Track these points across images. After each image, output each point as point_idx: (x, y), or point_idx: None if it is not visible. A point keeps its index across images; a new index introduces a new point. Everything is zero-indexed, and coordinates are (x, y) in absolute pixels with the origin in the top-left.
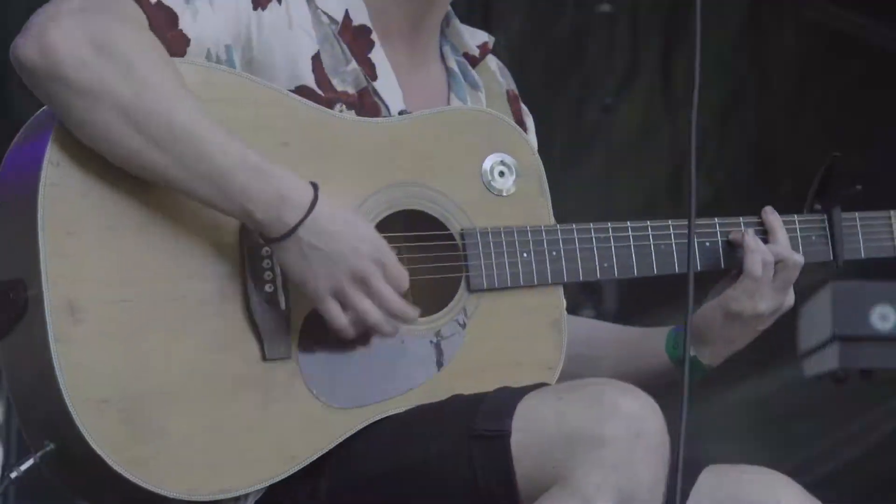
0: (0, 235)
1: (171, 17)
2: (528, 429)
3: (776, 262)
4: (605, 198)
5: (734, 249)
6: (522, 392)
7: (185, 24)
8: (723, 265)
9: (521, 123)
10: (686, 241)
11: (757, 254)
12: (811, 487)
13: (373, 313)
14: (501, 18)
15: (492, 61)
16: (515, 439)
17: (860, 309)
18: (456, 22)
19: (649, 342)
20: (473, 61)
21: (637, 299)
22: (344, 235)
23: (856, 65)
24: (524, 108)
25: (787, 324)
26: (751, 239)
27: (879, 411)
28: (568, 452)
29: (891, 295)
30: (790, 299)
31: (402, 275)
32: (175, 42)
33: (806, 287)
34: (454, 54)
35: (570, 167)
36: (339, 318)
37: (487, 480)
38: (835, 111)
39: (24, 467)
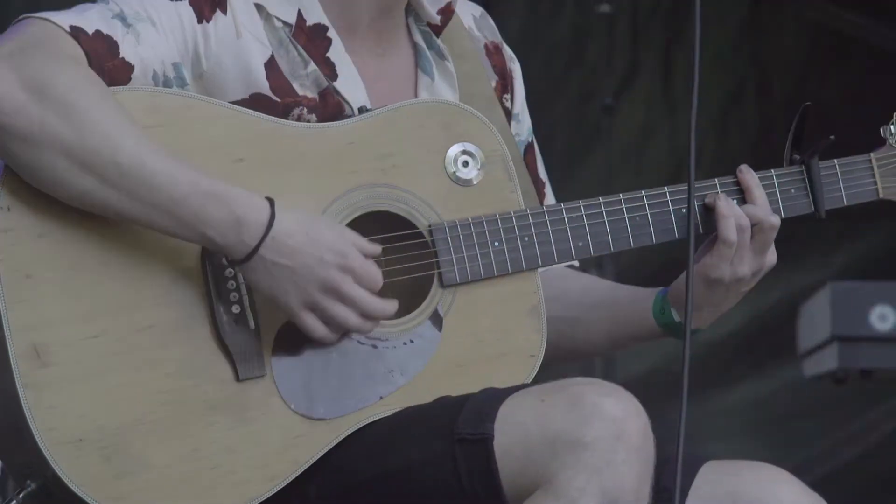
0: None
1: (111, 46)
2: (510, 432)
3: (753, 225)
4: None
5: (711, 213)
6: (505, 394)
7: (127, 50)
8: (701, 230)
9: (504, 74)
10: (662, 210)
11: (731, 219)
12: (811, 487)
13: (350, 319)
14: (501, 19)
15: (466, 15)
16: (498, 442)
17: (859, 309)
18: None
19: (638, 306)
20: (437, 30)
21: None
22: (307, 248)
23: (856, 65)
24: (508, 53)
25: (786, 324)
26: (724, 203)
27: (879, 411)
28: (551, 455)
29: (890, 295)
30: (771, 258)
31: (373, 274)
32: (117, 71)
33: (806, 287)
34: (419, 25)
35: (570, 167)
36: (318, 329)
37: (472, 483)
38: (834, 111)
39: None
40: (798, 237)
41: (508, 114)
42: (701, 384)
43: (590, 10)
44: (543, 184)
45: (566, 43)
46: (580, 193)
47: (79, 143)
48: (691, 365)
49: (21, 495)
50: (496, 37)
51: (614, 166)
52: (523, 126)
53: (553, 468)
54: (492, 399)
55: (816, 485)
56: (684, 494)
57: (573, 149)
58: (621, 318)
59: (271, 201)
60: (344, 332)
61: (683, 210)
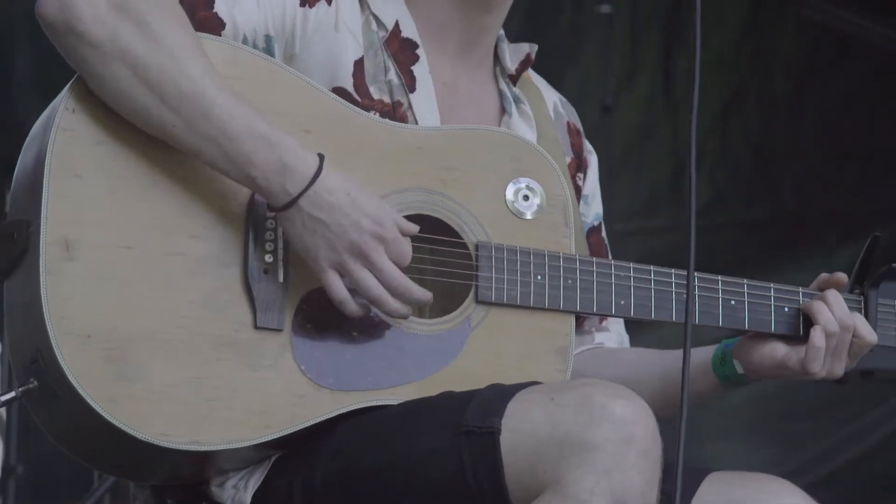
0: (19, 182)
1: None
2: (518, 429)
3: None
4: (606, 198)
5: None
6: (514, 390)
7: (221, 7)
8: (801, 332)
9: (581, 156)
10: (711, 296)
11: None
12: (811, 487)
13: (373, 288)
14: None
15: (550, 94)
16: (505, 438)
17: None
18: (504, 44)
19: (694, 360)
20: (514, 79)
21: None
22: (345, 208)
23: (856, 65)
24: (587, 145)
25: None
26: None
27: (879, 411)
28: (559, 456)
29: (891, 295)
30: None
31: (404, 251)
32: (207, 22)
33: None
34: (502, 75)
35: None
36: (340, 291)
37: (477, 477)
38: (835, 111)
39: (4, 398)
40: (799, 238)
41: (579, 191)
42: None
43: (589, 10)
44: None
45: (566, 43)
46: None
47: (146, 60)
48: None
49: (21, 390)
50: (578, 123)
51: (614, 167)
52: (591, 209)
53: (561, 469)
54: (501, 394)
55: (817, 485)
56: (686, 502)
57: None
58: (676, 374)
59: (321, 157)
60: (366, 302)
61: (733, 302)
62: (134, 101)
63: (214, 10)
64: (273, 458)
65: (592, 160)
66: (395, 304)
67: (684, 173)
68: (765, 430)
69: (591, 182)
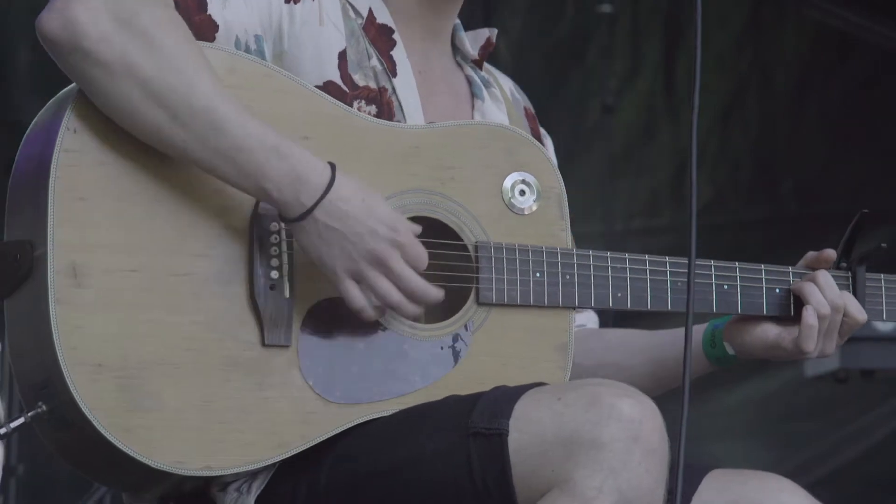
0: (16, 199)
1: (200, 3)
2: (525, 429)
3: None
4: (607, 199)
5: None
6: (520, 391)
7: (214, 9)
8: (792, 312)
9: (539, 140)
10: (705, 282)
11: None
12: (811, 487)
13: (392, 294)
14: (501, 18)
15: (505, 82)
16: (513, 438)
17: None
18: (460, 33)
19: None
20: (479, 64)
21: None
22: (361, 216)
23: (856, 65)
24: (542, 130)
25: None
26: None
27: (879, 411)
28: (566, 455)
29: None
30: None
31: (421, 254)
32: (202, 26)
33: None
34: (466, 62)
35: (571, 168)
36: (358, 299)
37: (484, 479)
38: (835, 111)
39: (14, 425)
40: (799, 238)
41: None
42: (702, 384)
43: (590, 9)
44: None
45: (567, 43)
46: (581, 194)
47: (156, 78)
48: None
49: (30, 414)
50: (531, 107)
51: (615, 166)
52: None
53: (568, 468)
54: (507, 395)
55: (817, 485)
56: (687, 499)
57: (574, 149)
58: (668, 358)
59: (333, 166)
60: (383, 307)
61: (726, 286)
62: (144, 119)
63: (209, 13)
64: (276, 463)
65: (549, 144)
66: (411, 308)
67: (685, 173)
68: (765, 431)
69: None
